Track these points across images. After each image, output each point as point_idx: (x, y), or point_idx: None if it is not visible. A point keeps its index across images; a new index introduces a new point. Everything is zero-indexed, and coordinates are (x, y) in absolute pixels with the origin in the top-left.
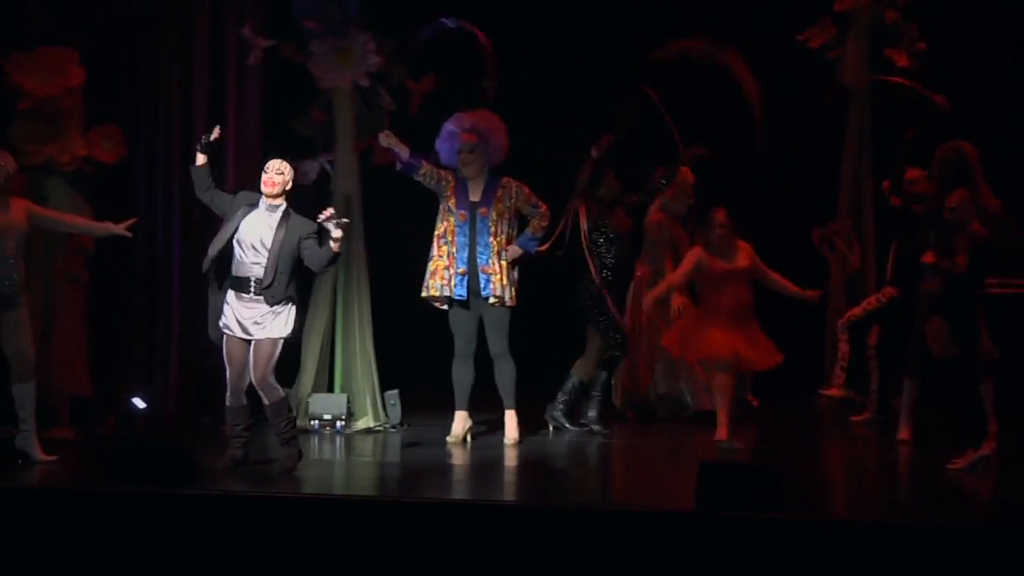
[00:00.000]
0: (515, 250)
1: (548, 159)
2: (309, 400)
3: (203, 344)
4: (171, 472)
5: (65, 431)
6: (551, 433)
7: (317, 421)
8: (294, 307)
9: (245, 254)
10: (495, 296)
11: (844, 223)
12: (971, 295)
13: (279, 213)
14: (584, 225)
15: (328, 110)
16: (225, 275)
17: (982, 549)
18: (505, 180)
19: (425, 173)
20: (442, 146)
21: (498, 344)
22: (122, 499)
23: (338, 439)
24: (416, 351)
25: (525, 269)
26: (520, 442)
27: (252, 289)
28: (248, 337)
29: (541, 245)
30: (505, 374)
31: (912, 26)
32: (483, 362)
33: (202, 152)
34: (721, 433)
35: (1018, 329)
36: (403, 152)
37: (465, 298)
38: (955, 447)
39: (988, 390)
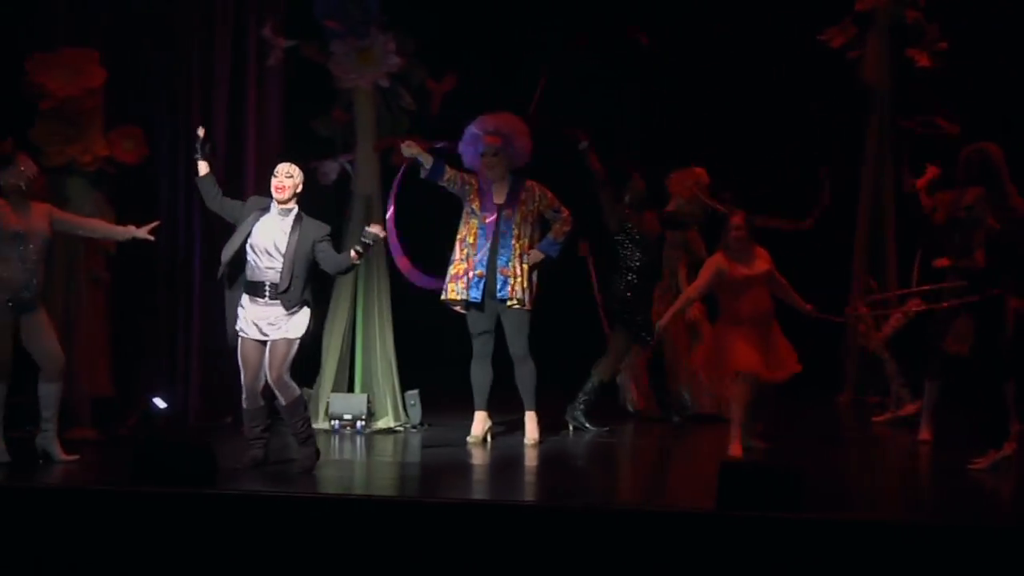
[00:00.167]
0: (537, 254)
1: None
2: (329, 400)
3: (223, 344)
4: (192, 472)
5: (86, 431)
6: (571, 433)
7: (337, 421)
8: (309, 310)
9: (259, 259)
10: (514, 299)
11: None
12: (992, 292)
13: (291, 217)
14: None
15: (349, 110)
16: (238, 278)
17: (1004, 550)
18: (529, 183)
19: (449, 178)
20: (465, 149)
21: (518, 346)
22: (143, 499)
23: (358, 439)
24: (436, 351)
25: (545, 271)
26: (540, 443)
27: (267, 293)
28: (263, 338)
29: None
30: (525, 375)
31: (933, 26)
32: (504, 363)
33: (202, 159)
34: (735, 450)
35: None
36: (427, 160)
37: (480, 301)
38: (977, 447)
39: (1010, 390)
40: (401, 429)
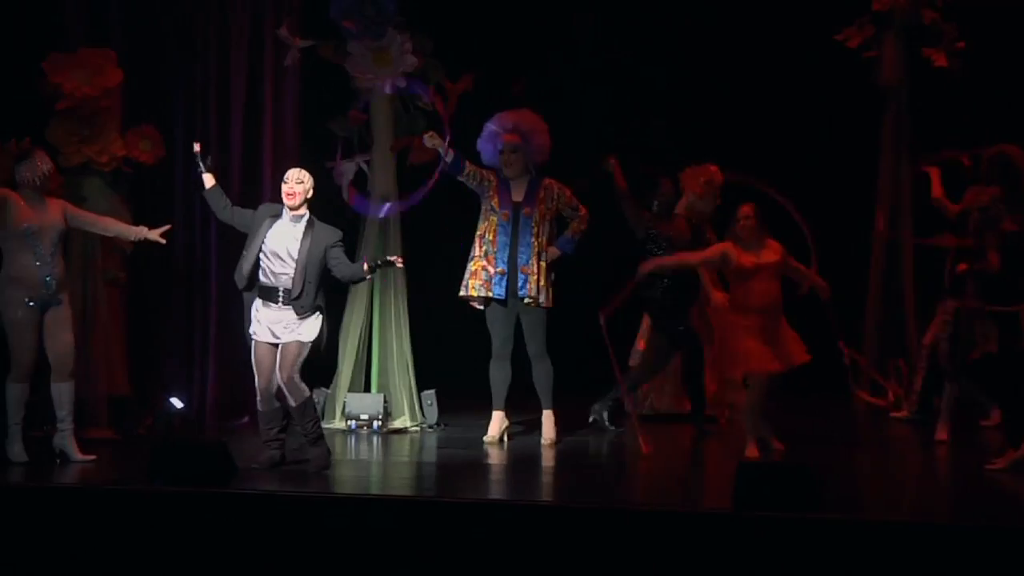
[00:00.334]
0: (554, 252)
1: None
2: (346, 400)
3: (240, 344)
4: (208, 472)
5: (103, 431)
6: (591, 423)
7: (354, 421)
8: (321, 315)
9: (272, 265)
10: (531, 296)
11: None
12: (1012, 292)
13: (303, 223)
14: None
15: (366, 110)
16: (255, 283)
17: (1022, 551)
18: (547, 181)
19: (469, 174)
20: (484, 146)
21: (536, 345)
22: (159, 499)
23: (375, 439)
24: (453, 351)
25: (564, 271)
26: (557, 443)
27: (280, 299)
28: (276, 341)
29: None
30: (543, 375)
31: (951, 25)
32: (521, 362)
33: (205, 172)
34: (751, 451)
35: None
36: (447, 154)
37: (503, 298)
38: (994, 447)
39: None
40: (417, 429)
